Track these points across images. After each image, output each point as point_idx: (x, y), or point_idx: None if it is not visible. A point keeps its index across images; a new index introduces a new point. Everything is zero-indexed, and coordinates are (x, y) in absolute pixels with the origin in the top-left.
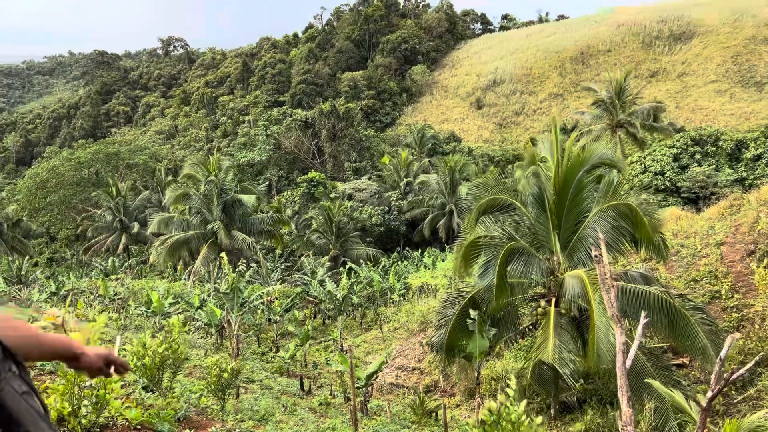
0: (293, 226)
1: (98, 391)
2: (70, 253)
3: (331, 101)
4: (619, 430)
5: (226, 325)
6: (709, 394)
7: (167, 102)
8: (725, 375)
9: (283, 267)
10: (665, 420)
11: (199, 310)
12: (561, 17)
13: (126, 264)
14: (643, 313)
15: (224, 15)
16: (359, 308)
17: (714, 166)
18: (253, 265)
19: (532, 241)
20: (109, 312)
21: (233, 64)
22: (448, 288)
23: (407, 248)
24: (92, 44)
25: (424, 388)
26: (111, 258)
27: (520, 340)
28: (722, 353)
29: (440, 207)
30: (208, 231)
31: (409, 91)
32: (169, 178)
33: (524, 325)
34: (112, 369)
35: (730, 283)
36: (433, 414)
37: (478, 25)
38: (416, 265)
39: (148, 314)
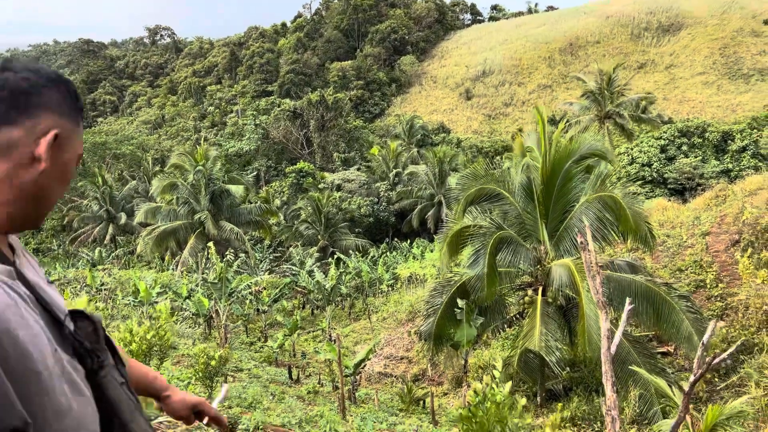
0: (282, 217)
1: None
2: (56, 243)
3: (320, 91)
4: (604, 414)
5: (214, 315)
6: (692, 378)
7: (154, 91)
8: (707, 360)
9: (271, 257)
10: (649, 406)
11: (187, 300)
12: (550, 8)
13: (113, 254)
14: (627, 300)
15: (212, 4)
16: (348, 298)
17: (700, 157)
18: (241, 255)
19: (520, 230)
20: (96, 302)
21: (221, 53)
22: (436, 278)
23: (396, 239)
24: (78, 33)
25: (412, 377)
26: (98, 248)
27: (507, 329)
28: (705, 338)
29: (429, 198)
30: (195, 221)
31: (398, 81)
32: (157, 168)
33: (511, 314)
34: (205, 420)
35: (714, 273)
36: (421, 402)
37: (468, 16)
38: (405, 255)
39: (136, 304)
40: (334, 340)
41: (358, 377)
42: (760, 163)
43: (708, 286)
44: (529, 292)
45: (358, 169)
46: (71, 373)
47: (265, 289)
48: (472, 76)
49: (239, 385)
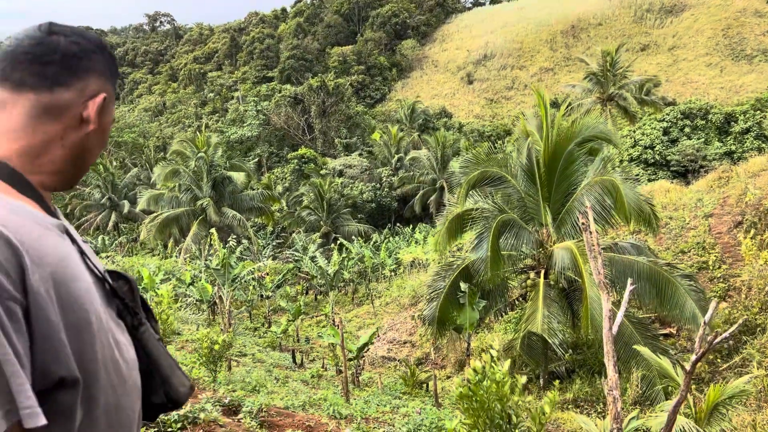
0: (284, 203)
1: None
2: None
3: (321, 77)
4: (606, 394)
5: (217, 301)
6: (694, 357)
7: (155, 78)
8: (709, 338)
9: (274, 244)
10: (651, 387)
11: (191, 287)
12: None
13: (116, 242)
14: (629, 280)
15: None
16: (351, 284)
17: (703, 139)
18: (244, 241)
19: (522, 213)
20: None
21: (221, 39)
22: (439, 263)
23: (398, 224)
24: (77, 21)
25: (415, 361)
26: (101, 236)
27: (510, 312)
28: (706, 317)
29: (431, 183)
30: (197, 208)
31: (400, 66)
32: (159, 155)
33: (514, 297)
34: None
35: (717, 254)
36: (424, 385)
37: None
38: (407, 240)
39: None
40: (338, 325)
41: (361, 361)
42: (764, 145)
43: (711, 267)
44: (532, 275)
45: (360, 155)
46: (116, 328)
47: (268, 274)
48: (473, 59)
49: (243, 369)
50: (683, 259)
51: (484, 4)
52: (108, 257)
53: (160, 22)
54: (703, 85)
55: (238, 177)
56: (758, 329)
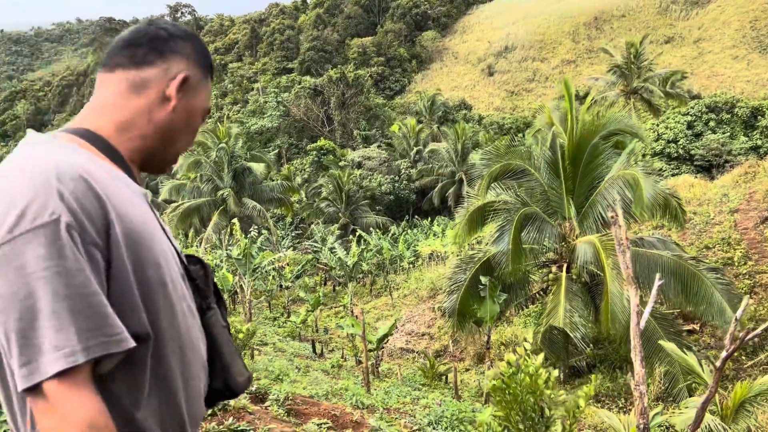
0: (303, 194)
1: None
2: None
3: (340, 68)
4: (632, 389)
5: (238, 291)
6: (724, 354)
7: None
8: (740, 335)
9: (293, 234)
10: (675, 383)
11: None
12: None
13: None
14: (657, 275)
15: None
16: (369, 275)
17: (728, 133)
18: (263, 232)
19: (545, 207)
20: None
21: (241, 30)
22: (458, 255)
23: (416, 216)
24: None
25: (433, 353)
26: None
27: (530, 306)
28: (738, 313)
29: (450, 175)
30: (218, 198)
31: (419, 57)
32: None
33: (535, 291)
34: None
35: (743, 250)
36: (443, 377)
37: None
38: (425, 233)
39: None
40: (357, 316)
41: (380, 352)
42: None
43: (736, 263)
44: (554, 268)
45: (379, 147)
46: (191, 301)
47: (288, 265)
48: (494, 51)
49: (265, 358)
50: (707, 255)
51: None
52: None
53: (181, 13)
54: (729, 79)
55: (258, 168)
56: None
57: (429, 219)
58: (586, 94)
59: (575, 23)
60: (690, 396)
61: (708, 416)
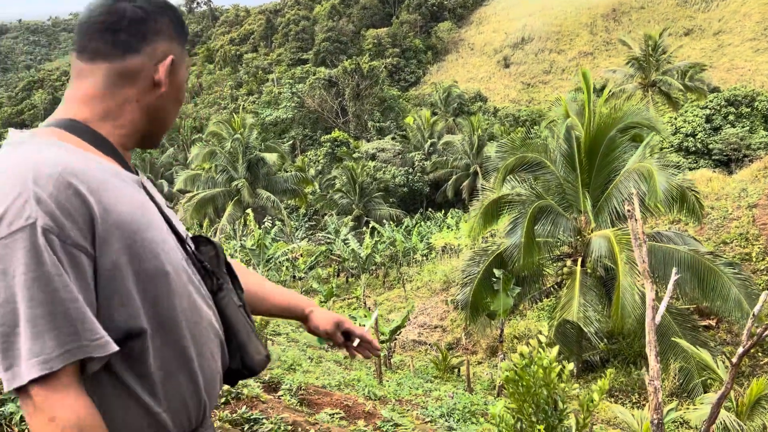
0: (317, 186)
1: None
2: None
3: (355, 59)
4: (646, 384)
5: None
6: (741, 350)
7: (191, 60)
8: (758, 330)
9: (306, 226)
10: (690, 379)
11: None
12: None
13: None
14: (674, 270)
15: None
16: (382, 267)
17: (748, 127)
18: (277, 223)
19: (561, 200)
20: None
21: (257, 21)
22: (471, 248)
23: (430, 209)
24: None
25: (446, 346)
26: None
27: (544, 300)
28: (756, 309)
29: (464, 168)
30: (233, 189)
31: (435, 48)
32: (195, 136)
33: (549, 285)
34: (355, 342)
35: (761, 246)
36: (455, 370)
37: None
38: (439, 225)
39: None
40: (370, 308)
41: (393, 344)
42: None
43: (754, 259)
44: (568, 262)
45: (393, 139)
46: (198, 285)
47: (301, 256)
48: (510, 43)
49: (278, 348)
50: (725, 251)
51: None
52: None
53: (197, 3)
54: (749, 72)
55: (273, 159)
56: None
57: (443, 211)
58: (603, 87)
59: (593, 15)
60: (705, 392)
61: (723, 412)
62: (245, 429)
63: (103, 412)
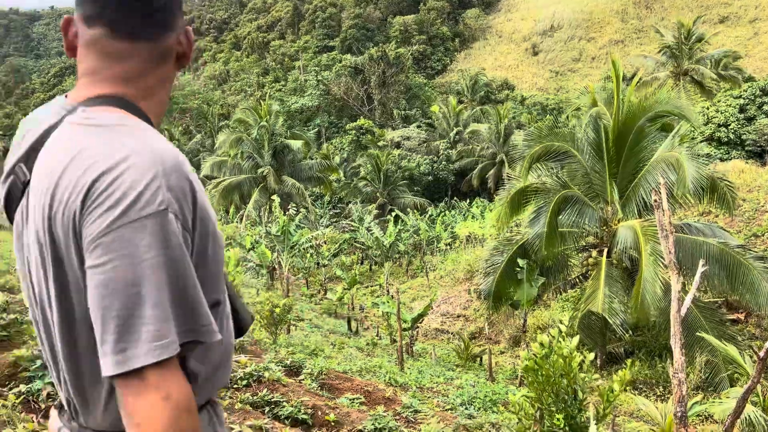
0: (341, 174)
1: None
2: None
3: (382, 47)
4: (671, 376)
5: (276, 267)
6: (767, 344)
7: (219, 47)
8: None
9: (331, 213)
10: (716, 373)
11: (251, 252)
12: None
13: None
14: (701, 261)
15: None
16: (405, 256)
17: None
18: (302, 210)
19: (587, 190)
20: None
21: (284, 8)
22: (496, 237)
23: (455, 198)
24: None
25: (468, 335)
26: None
27: (569, 290)
28: None
29: (491, 157)
30: (258, 175)
31: (462, 36)
32: (222, 123)
33: (574, 276)
34: None
35: None
36: (477, 359)
37: None
38: (464, 215)
39: None
40: (393, 296)
41: (415, 332)
42: None
43: None
44: (594, 253)
45: (418, 127)
46: None
47: (325, 243)
48: (539, 30)
49: (301, 334)
50: (756, 243)
51: None
52: None
53: None
54: None
55: (298, 146)
56: None
57: (468, 201)
58: (633, 76)
59: (624, 2)
60: (731, 386)
61: (749, 407)
62: (266, 411)
63: None
